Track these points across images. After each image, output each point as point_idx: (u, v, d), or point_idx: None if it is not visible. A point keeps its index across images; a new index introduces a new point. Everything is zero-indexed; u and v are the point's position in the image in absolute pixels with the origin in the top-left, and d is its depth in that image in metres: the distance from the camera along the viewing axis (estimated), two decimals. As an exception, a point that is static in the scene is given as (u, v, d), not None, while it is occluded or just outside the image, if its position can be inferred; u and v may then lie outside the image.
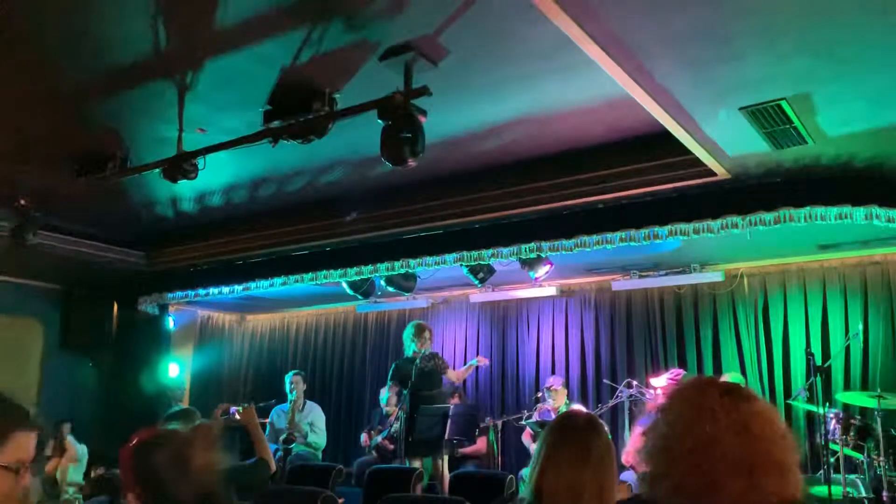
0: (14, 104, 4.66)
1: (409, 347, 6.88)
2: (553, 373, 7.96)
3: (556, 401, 7.01)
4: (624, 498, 2.17)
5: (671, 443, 1.32)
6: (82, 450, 6.58)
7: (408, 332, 6.96)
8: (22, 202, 5.99)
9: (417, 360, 6.79)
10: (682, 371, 6.33)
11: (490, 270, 6.89)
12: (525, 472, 6.78)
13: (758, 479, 1.26)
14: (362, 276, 7.00)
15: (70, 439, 6.58)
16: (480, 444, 7.45)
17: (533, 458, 2.20)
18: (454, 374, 7.19)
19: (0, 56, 4.03)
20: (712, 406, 1.32)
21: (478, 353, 8.70)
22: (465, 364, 7.80)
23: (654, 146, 4.93)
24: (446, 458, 6.53)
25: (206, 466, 1.94)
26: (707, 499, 1.26)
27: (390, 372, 7.14)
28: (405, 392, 6.76)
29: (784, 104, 3.90)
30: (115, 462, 2.06)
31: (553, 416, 6.91)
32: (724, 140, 4.42)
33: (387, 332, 9.55)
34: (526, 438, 7.32)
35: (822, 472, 5.28)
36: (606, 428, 6.64)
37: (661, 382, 6.20)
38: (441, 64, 3.85)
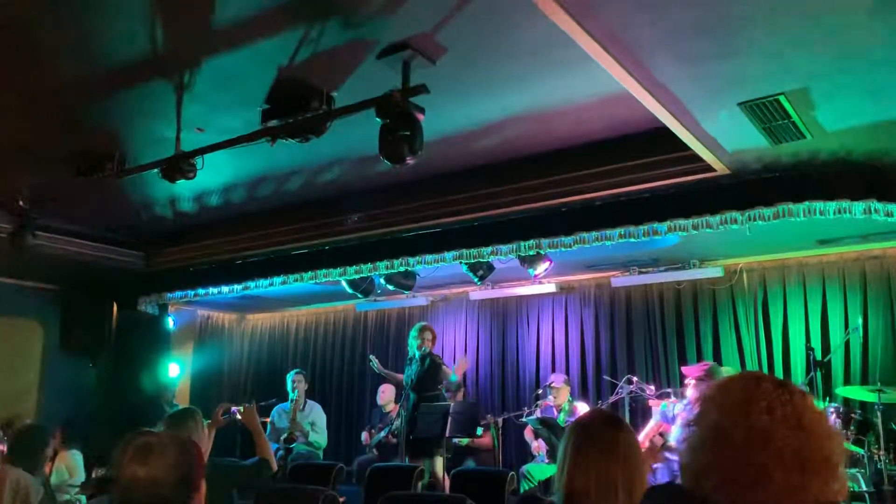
0: (12, 105, 4.66)
1: (412, 348, 6.92)
2: (553, 369, 7.96)
3: (559, 398, 7.00)
4: None
5: (722, 434, 1.30)
6: (75, 456, 6.56)
7: (411, 333, 7.03)
8: (20, 203, 5.98)
9: (415, 361, 6.81)
10: (711, 362, 6.29)
11: (489, 268, 6.89)
12: (526, 468, 6.84)
13: (808, 475, 1.25)
14: (362, 275, 7.00)
15: (70, 454, 6.57)
16: (487, 438, 7.46)
17: (558, 462, 2.18)
18: (449, 372, 7.16)
19: (-3, 57, 4.03)
20: (767, 398, 1.30)
21: (478, 351, 8.72)
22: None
23: (653, 142, 4.93)
24: (442, 458, 6.51)
25: (132, 479, 1.93)
26: (755, 493, 1.24)
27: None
28: (405, 390, 6.78)
29: (782, 99, 3.90)
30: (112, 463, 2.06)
31: (556, 413, 6.91)
32: (722, 136, 4.42)
33: (387, 330, 9.55)
34: (528, 435, 7.32)
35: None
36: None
37: (693, 372, 6.17)
38: (439, 62, 3.85)
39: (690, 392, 6.09)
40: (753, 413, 1.29)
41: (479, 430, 7.27)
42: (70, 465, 6.45)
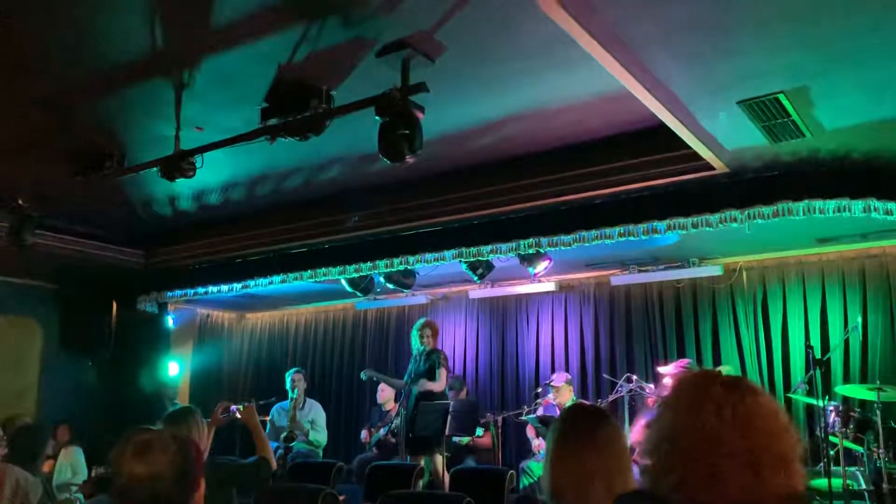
0: (11, 103, 4.65)
1: (413, 345, 6.93)
2: (553, 368, 7.97)
3: (561, 397, 6.98)
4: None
5: (674, 436, 1.32)
6: (77, 453, 6.57)
7: (412, 331, 7.05)
8: (19, 202, 5.98)
9: (416, 358, 6.82)
10: (688, 360, 6.32)
11: (489, 266, 6.89)
12: (528, 464, 6.84)
13: (761, 473, 1.26)
14: (361, 274, 7.01)
15: (74, 450, 6.58)
16: (487, 437, 7.47)
17: (544, 458, 2.20)
18: (441, 376, 7.09)
19: (-4, 56, 4.02)
20: (715, 400, 1.32)
21: (477, 349, 8.72)
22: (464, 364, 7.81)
23: (652, 141, 4.93)
24: (442, 456, 6.52)
25: (131, 477, 1.93)
26: (711, 493, 1.26)
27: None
28: (406, 387, 6.78)
29: (782, 97, 3.90)
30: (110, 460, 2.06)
31: (558, 412, 6.91)
32: (722, 134, 4.42)
33: (386, 328, 9.55)
34: (530, 433, 7.34)
35: (822, 464, 5.29)
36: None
37: (668, 369, 6.19)
38: (438, 60, 3.85)
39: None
40: (703, 415, 1.31)
41: (480, 431, 7.27)
42: (74, 463, 6.46)
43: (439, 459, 6.50)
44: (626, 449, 2.15)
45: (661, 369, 6.37)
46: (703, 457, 1.27)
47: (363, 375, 7.76)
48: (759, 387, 1.39)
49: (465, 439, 7.31)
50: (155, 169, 4.81)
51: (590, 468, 2.05)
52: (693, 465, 1.28)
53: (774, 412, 1.34)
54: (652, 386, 6.47)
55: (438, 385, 6.81)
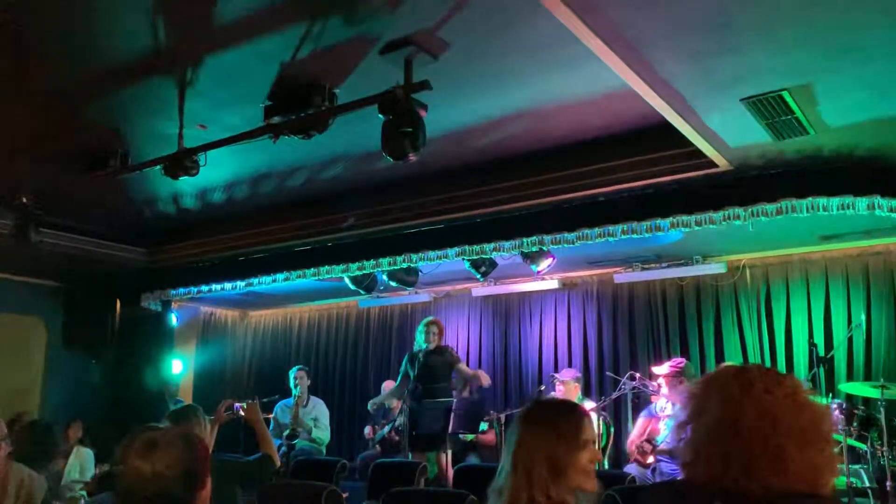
0: (14, 102, 4.66)
1: (419, 342, 6.94)
2: (556, 366, 7.97)
3: (568, 393, 6.94)
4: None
5: (731, 423, 1.32)
6: (88, 454, 6.58)
7: (418, 328, 7.06)
8: (23, 200, 5.99)
9: (420, 355, 6.82)
10: (683, 360, 6.32)
11: (492, 264, 6.89)
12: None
13: (814, 451, 1.27)
14: (364, 272, 7.02)
15: (83, 451, 6.58)
16: (491, 434, 7.47)
17: (504, 446, 2.19)
18: (467, 371, 7.16)
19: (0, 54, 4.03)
20: (761, 381, 1.33)
21: (481, 347, 8.71)
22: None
23: (656, 138, 4.92)
24: (449, 452, 6.53)
25: (136, 475, 1.93)
26: (778, 476, 1.25)
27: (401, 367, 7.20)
28: (407, 387, 6.78)
29: (785, 95, 3.89)
30: (117, 458, 2.07)
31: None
32: (725, 131, 4.41)
33: (389, 326, 9.56)
34: None
35: (825, 462, 5.27)
36: (607, 419, 6.55)
37: (662, 370, 6.19)
38: (441, 58, 3.85)
39: (666, 390, 6.12)
40: (755, 396, 1.31)
41: (484, 426, 7.28)
42: (83, 461, 6.47)
43: (443, 457, 6.51)
44: (574, 439, 2.10)
45: (656, 370, 6.36)
46: (767, 438, 1.27)
47: (370, 407, 7.76)
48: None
49: (470, 436, 7.31)
50: (158, 167, 4.82)
51: (531, 455, 2.04)
52: (759, 448, 1.28)
53: (809, 392, 1.37)
54: (655, 384, 6.47)
55: (471, 372, 7.08)
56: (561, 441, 2.08)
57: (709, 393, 1.39)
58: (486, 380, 7.09)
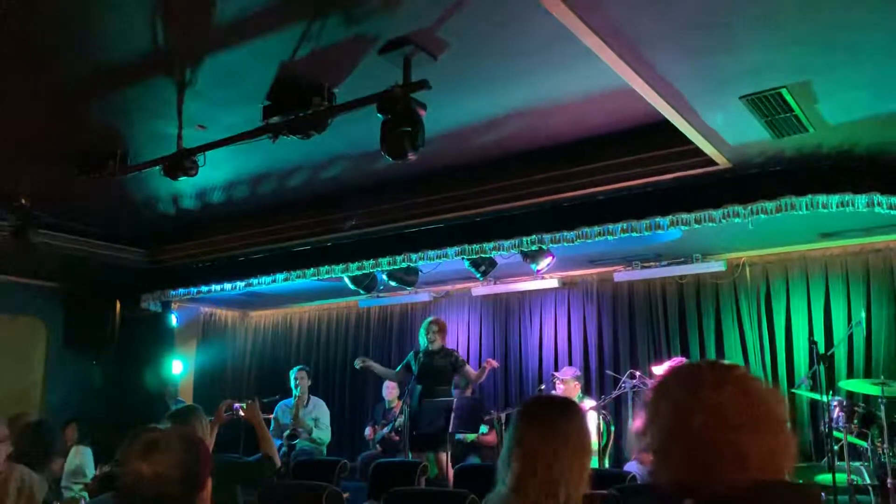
0: (13, 103, 4.66)
1: (421, 342, 6.95)
2: (556, 365, 7.97)
3: (568, 391, 6.95)
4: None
5: (683, 423, 1.32)
6: (87, 453, 6.58)
7: (421, 329, 7.07)
8: (23, 201, 5.99)
9: (421, 356, 6.82)
10: (683, 359, 6.32)
11: (492, 263, 6.89)
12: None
13: (766, 438, 1.27)
14: (364, 271, 7.02)
15: (82, 449, 6.59)
16: (492, 435, 7.47)
17: (504, 449, 2.19)
18: (472, 373, 7.14)
19: (-2, 55, 4.03)
20: (707, 377, 1.33)
21: (481, 346, 8.72)
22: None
23: (655, 136, 4.92)
24: (449, 452, 6.53)
25: (137, 476, 1.93)
26: (741, 470, 1.26)
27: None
28: (408, 386, 6.78)
29: (784, 92, 3.89)
30: (118, 459, 2.06)
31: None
32: (724, 129, 4.41)
33: (389, 326, 9.56)
34: None
35: (826, 459, 5.28)
36: (608, 417, 6.58)
37: (662, 370, 6.19)
38: (440, 57, 3.85)
39: None
40: (702, 395, 1.32)
41: (485, 429, 7.27)
42: (83, 462, 6.47)
43: (444, 456, 6.50)
44: (583, 438, 2.14)
45: (656, 370, 6.36)
46: (720, 435, 1.28)
47: (356, 364, 7.72)
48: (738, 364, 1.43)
49: (471, 436, 7.31)
50: (158, 167, 4.82)
51: (539, 454, 2.05)
52: (714, 447, 1.28)
53: (759, 379, 1.38)
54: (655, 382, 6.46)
55: (476, 374, 7.04)
56: (571, 442, 2.09)
57: (659, 398, 1.40)
58: (492, 364, 7.09)
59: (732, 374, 1.35)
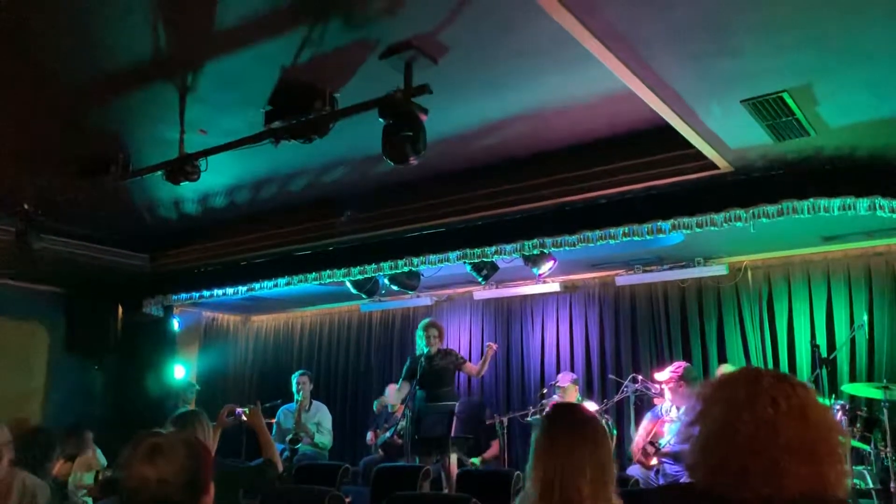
0: (16, 109, 4.67)
1: (419, 346, 6.93)
2: (558, 369, 7.95)
3: (567, 397, 6.95)
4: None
5: (731, 429, 1.31)
6: (100, 457, 6.60)
7: (417, 332, 7.04)
8: (25, 207, 6.00)
9: (422, 359, 6.80)
10: (685, 364, 6.31)
11: (493, 267, 6.88)
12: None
13: (819, 465, 1.25)
14: (366, 276, 7.01)
15: (98, 453, 6.60)
16: (495, 447, 7.45)
17: (531, 453, 2.21)
18: (473, 369, 7.14)
19: (1, 61, 4.03)
20: (769, 391, 1.31)
21: (482, 351, 8.68)
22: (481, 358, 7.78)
23: (656, 140, 4.92)
24: (454, 456, 6.50)
25: (140, 481, 1.93)
26: (773, 486, 1.24)
27: (404, 368, 7.18)
28: (412, 388, 6.77)
29: (785, 96, 3.89)
30: (121, 464, 2.06)
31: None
32: (726, 133, 4.41)
33: (391, 330, 9.55)
34: None
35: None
36: (610, 421, 6.59)
37: (664, 376, 6.19)
38: (441, 61, 3.85)
39: (669, 395, 6.11)
40: (758, 407, 1.30)
41: (476, 461, 7.24)
42: (94, 467, 6.47)
43: (447, 460, 6.47)
44: (609, 446, 2.20)
45: (658, 376, 6.35)
46: (764, 450, 1.26)
47: (375, 407, 7.77)
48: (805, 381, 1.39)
49: (476, 460, 7.30)
50: (160, 172, 4.82)
51: (584, 461, 2.07)
52: (754, 459, 1.27)
53: (825, 407, 1.36)
54: (657, 386, 6.46)
55: (477, 368, 7.06)
56: (600, 449, 2.12)
57: (717, 396, 1.38)
58: (493, 348, 7.07)
59: (797, 393, 1.32)
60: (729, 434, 1.31)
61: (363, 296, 7.77)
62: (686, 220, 5.23)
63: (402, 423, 7.13)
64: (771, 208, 4.94)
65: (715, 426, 1.34)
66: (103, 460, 6.57)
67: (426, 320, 7.18)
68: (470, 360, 8.46)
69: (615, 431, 6.91)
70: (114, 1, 3.47)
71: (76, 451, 6.29)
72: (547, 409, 6.94)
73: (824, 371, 5.32)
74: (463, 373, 7.07)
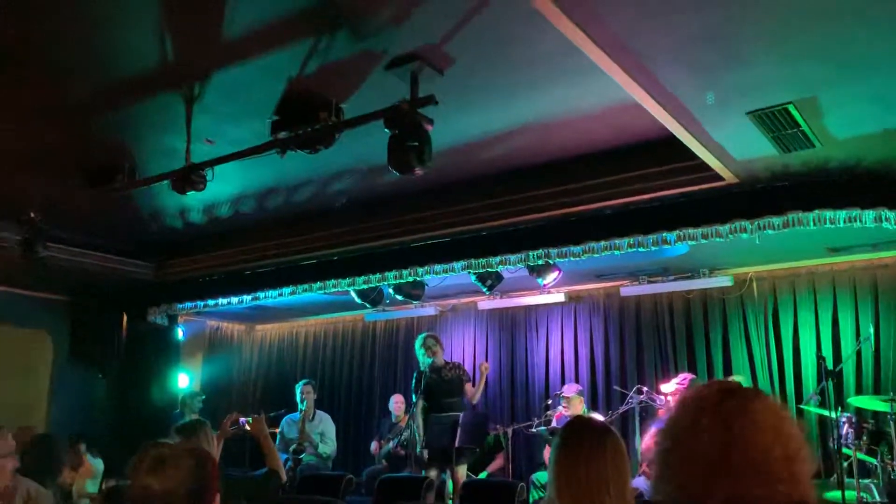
0: (23, 118, 4.69)
1: (421, 361, 6.90)
2: (563, 379, 7.93)
3: (573, 408, 6.92)
4: None
5: (669, 445, 1.31)
6: (98, 465, 6.60)
7: (416, 347, 6.98)
8: (31, 215, 6.02)
9: (427, 371, 6.79)
10: (690, 375, 6.29)
11: (498, 277, 6.88)
12: (536, 476, 6.80)
13: (775, 483, 1.23)
14: (370, 285, 7.01)
15: (88, 457, 6.60)
16: (500, 460, 7.43)
17: (550, 465, 2.22)
18: (471, 391, 7.07)
19: (9, 70, 4.06)
20: (704, 406, 1.30)
21: (487, 361, 8.66)
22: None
23: (662, 151, 4.92)
24: (463, 467, 6.47)
25: (146, 492, 1.92)
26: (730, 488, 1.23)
27: (413, 385, 7.15)
28: (413, 400, 6.76)
29: (791, 108, 3.89)
30: (126, 474, 2.06)
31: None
32: (731, 145, 4.41)
33: (395, 340, 9.55)
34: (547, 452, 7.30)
35: (835, 477, 5.24)
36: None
37: (670, 388, 6.18)
38: (447, 72, 3.86)
39: None
40: (693, 422, 1.29)
41: (484, 475, 7.21)
42: (95, 475, 6.48)
43: (462, 469, 6.44)
44: (627, 458, 2.21)
45: (664, 387, 6.34)
46: (691, 465, 1.26)
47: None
48: (764, 393, 1.36)
49: (483, 475, 7.26)
50: (166, 182, 4.84)
51: (605, 474, 2.09)
52: (683, 473, 1.26)
53: (782, 418, 1.30)
54: (662, 398, 6.44)
55: (475, 391, 6.95)
56: (621, 463, 2.15)
57: (673, 420, 1.38)
58: (485, 367, 7.05)
59: (750, 410, 1.28)
60: (668, 450, 1.31)
61: (367, 305, 7.77)
62: (691, 231, 5.22)
63: (406, 435, 7.11)
64: (776, 220, 4.93)
65: (661, 442, 1.34)
66: (100, 467, 6.58)
67: (422, 335, 7.09)
68: (473, 372, 8.47)
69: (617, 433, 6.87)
70: (122, 11, 3.50)
71: (77, 461, 6.30)
72: (554, 421, 6.94)
73: (830, 383, 5.28)
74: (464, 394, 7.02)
